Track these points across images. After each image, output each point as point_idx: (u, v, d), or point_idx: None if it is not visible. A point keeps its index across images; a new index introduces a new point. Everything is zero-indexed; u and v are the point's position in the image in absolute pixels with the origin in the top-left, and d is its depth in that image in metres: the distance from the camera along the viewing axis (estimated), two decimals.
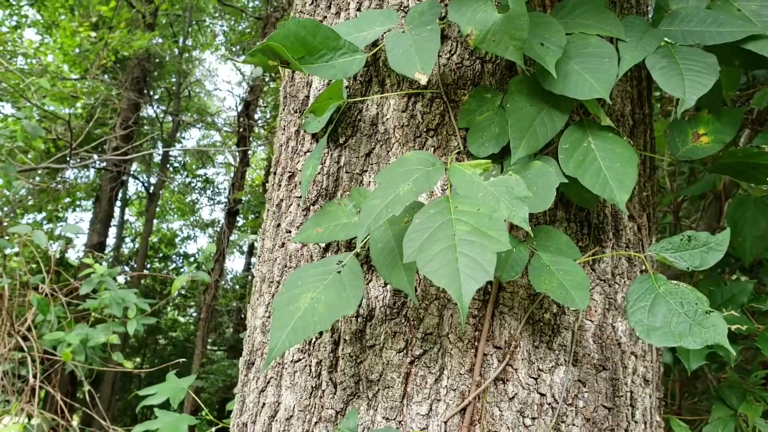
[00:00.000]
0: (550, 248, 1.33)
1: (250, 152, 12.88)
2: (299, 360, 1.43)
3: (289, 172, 1.62)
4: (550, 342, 1.36)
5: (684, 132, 1.49)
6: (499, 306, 1.36)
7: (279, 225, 1.60)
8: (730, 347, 1.11)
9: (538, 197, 1.24)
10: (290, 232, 1.55)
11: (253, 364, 1.56)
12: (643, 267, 1.55)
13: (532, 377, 1.33)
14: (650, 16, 1.54)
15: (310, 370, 1.41)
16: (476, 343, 1.33)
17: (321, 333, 1.42)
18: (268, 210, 1.68)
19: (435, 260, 1.00)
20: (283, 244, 1.56)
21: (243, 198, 12.14)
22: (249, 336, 1.62)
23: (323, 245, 1.49)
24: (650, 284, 1.24)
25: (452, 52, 1.48)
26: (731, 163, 1.47)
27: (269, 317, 1.54)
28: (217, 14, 14.53)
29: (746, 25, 1.32)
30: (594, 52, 1.32)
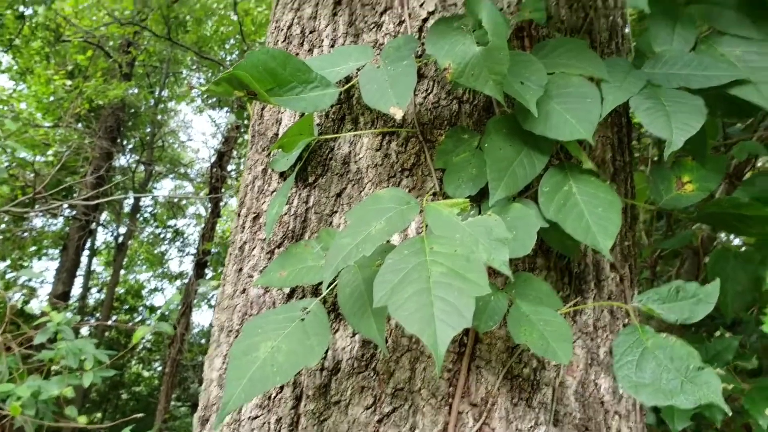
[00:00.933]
0: (530, 297, 1.24)
1: (221, 203, 12.74)
2: (257, 417, 1.31)
3: (254, 213, 1.52)
4: (529, 399, 1.26)
5: (668, 179, 1.43)
6: (476, 359, 1.26)
7: (241, 269, 1.49)
8: (726, 406, 1.03)
9: (518, 241, 1.16)
10: (252, 276, 1.45)
11: (208, 420, 1.43)
12: (626, 320, 1.47)
13: None
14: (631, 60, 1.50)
15: (269, 428, 1.29)
16: (450, 400, 1.23)
17: (282, 387, 1.30)
18: (230, 254, 1.58)
19: (408, 304, 0.91)
20: (245, 289, 1.46)
21: (213, 249, 11.93)
22: (205, 390, 1.49)
23: (287, 291, 1.38)
24: (637, 337, 1.16)
25: (429, 91, 1.42)
26: (716, 213, 1.41)
27: (227, 369, 1.42)
28: (194, 67, 14.57)
29: (732, 70, 1.28)
30: (575, 92, 1.27)
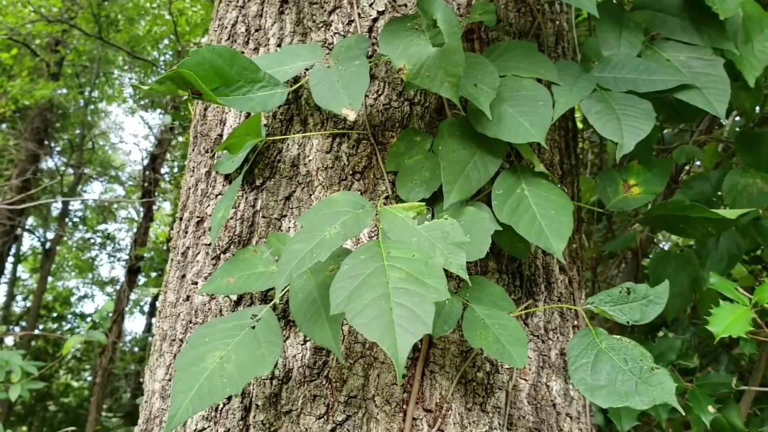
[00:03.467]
0: (484, 300, 1.23)
1: (154, 207, 12.39)
2: (203, 429, 1.25)
3: (198, 217, 1.46)
4: (483, 404, 1.25)
5: (615, 182, 1.45)
6: (430, 364, 1.24)
7: (184, 276, 1.43)
8: (679, 406, 1.04)
9: (474, 245, 1.15)
10: (197, 283, 1.39)
11: None
12: (575, 323, 1.48)
13: None
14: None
15: None
16: (405, 407, 1.20)
17: (230, 398, 1.25)
18: (172, 260, 1.51)
19: (367, 311, 0.88)
20: (189, 297, 1.40)
21: (146, 254, 11.58)
22: (146, 402, 1.42)
23: (235, 298, 1.33)
24: (591, 339, 1.16)
25: (380, 93, 1.40)
26: (662, 215, 1.44)
27: (170, 380, 1.36)
28: (126, 67, 14.12)
29: (678, 75, 1.30)
30: (528, 95, 1.26)
